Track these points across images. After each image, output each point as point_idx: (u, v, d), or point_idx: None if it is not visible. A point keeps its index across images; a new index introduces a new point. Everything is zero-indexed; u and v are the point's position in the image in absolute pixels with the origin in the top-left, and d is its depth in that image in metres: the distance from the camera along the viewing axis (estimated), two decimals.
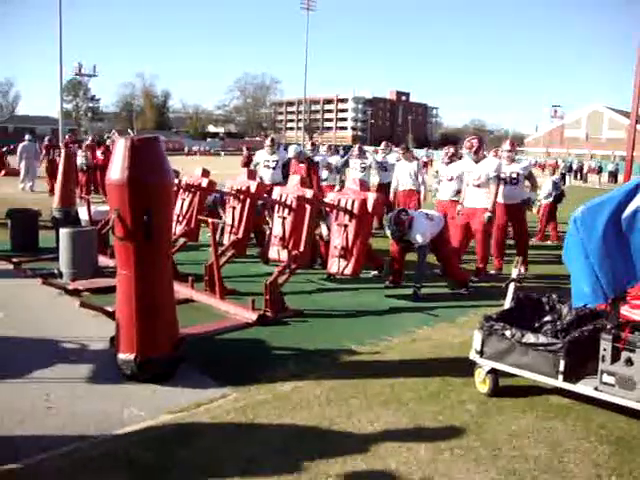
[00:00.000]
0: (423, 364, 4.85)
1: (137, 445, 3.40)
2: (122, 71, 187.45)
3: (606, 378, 3.75)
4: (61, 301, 6.20)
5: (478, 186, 7.76)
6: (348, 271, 6.50)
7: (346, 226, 6.49)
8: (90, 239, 7.24)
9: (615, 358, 3.71)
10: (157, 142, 4.17)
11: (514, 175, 8.24)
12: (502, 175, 8.04)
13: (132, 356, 4.14)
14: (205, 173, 8.00)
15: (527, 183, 8.79)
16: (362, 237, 6.47)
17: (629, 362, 3.65)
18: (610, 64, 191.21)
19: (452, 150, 9.51)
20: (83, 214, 8.93)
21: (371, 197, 6.49)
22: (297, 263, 6.31)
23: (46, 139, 18.44)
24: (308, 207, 6.44)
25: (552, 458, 3.42)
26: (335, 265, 6.61)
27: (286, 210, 6.65)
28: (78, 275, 6.89)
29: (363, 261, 6.65)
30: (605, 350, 3.74)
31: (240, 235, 7.03)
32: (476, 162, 7.89)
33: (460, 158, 9.28)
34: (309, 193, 6.55)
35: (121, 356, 4.20)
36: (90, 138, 19.39)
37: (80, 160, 15.71)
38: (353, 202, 6.46)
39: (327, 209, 7.11)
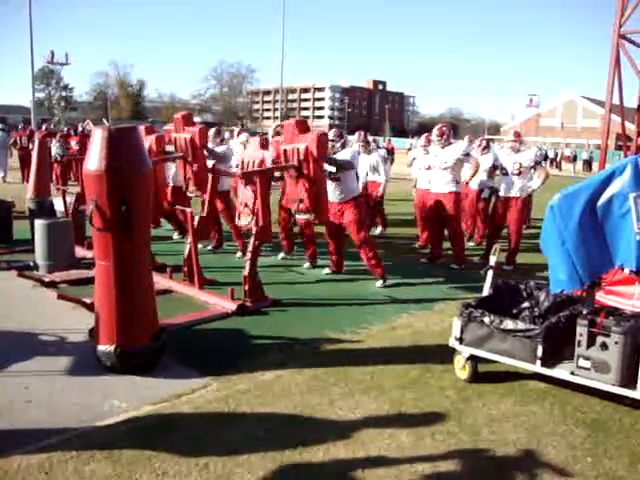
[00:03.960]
0: (403, 351, 4.90)
1: (119, 436, 3.39)
2: (96, 60, 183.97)
3: (582, 362, 3.82)
4: (37, 293, 6.12)
5: (445, 169, 7.81)
6: (318, 220, 6.42)
7: (298, 177, 6.17)
8: (66, 230, 7.15)
9: (591, 343, 3.78)
10: (135, 132, 4.13)
11: (516, 166, 8.02)
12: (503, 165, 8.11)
13: (112, 347, 4.11)
14: (149, 129, 7.79)
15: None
16: (318, 183, 6.15)
17: (604, 346, 3.72)
18: (586, 53, 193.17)
19: (430, 137, 9.54)
20: (58, 205, 8.80)
21: (313, 137, 6.03)
22: (259, 239, 6.10)
23: (20, 127, 18.17)
24: (257, 179, 6.04)
25: (530, 442, 3.48)
26: (303, 217, 6.52)
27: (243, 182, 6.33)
28: (54, 267, 6.80)
29: (327, 205, 6.48)
30: (581, 335, 3.81)
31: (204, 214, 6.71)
32: (442, 148, 7.93)
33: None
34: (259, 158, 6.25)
35: (101, 347, 4.17)
36: (65, 129, 19.06)
37: (55, 150, 15.47)
38: (297, 150, 6.04)
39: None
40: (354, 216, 6.87)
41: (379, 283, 6.97)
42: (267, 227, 6.15)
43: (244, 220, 6.58)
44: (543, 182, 8.04)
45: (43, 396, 3.85)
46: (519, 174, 8.00)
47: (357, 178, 7.61)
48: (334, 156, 6.76)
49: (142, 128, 7.72)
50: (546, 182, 8.06)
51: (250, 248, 6.08)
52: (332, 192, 6.79)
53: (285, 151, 6.18)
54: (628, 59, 11.94)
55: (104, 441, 3.33)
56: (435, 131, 8.12)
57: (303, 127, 6.29)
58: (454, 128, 8.23)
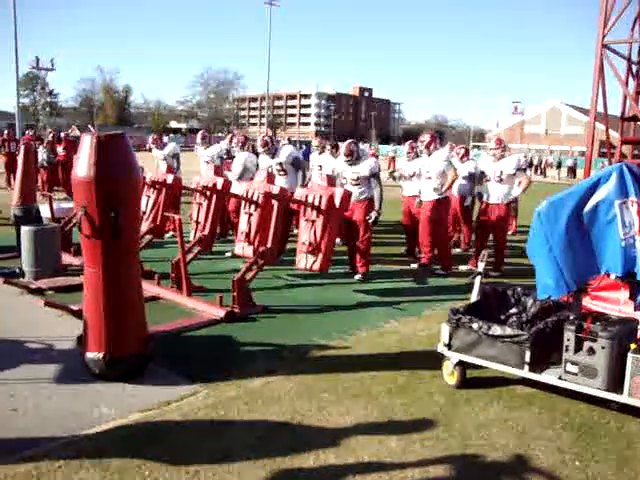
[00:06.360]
0: (392, 358, 4.91)
1: (108, 444, 3.37)
2: (81, 65, 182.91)
3: (570, 367, 3.86)
4: (24, 301, 6.08)
5: (429, 178, 7.96)
6: (316, 267, 6.51)
7: (314, 222, 6.50)
8: (53, 237, 7.10)
9: (578, 348, 3.82)
10: (124, 138, 4.12)
11: (498, 173, 8.09)
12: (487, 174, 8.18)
13: (100, 355, 4.09)
14: (170, 169, 7.93)
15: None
16: (330, 233, 6.48)
17: (591, 351, 3.76)
18: (570, 62, 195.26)
19: (413, 144, 9.61)
20: (45, 211, 8.75)
21: (338, 193, 6.51)
22: (265, 259, 6.30)
23: (5, 132, 18.05)
24: (275, 203, 6.42)
25: (519, 446, 3.51)
26: (303, 261, 6.61)
27: (252, 206, 6.63)
28: (41, 274, 6.75)
29: (331, 257, 6.67)
30: (568, 340, 3.85)
31: (206, 232, 6.99)
32: (429, 156, 8.15)
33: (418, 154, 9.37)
34: (276, 189, 6.55)
35: (89, 355, 4.14)
36: (51, 134, 18.88)
37: (41, 156, 15.35)
38: (321, 198, 6.48)
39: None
40: (364, 216, 7.50)
41: (358, 276, 7.55)
42: (275, 250, 6.46)
43: (239, 249, 6.70)
44: (524, 190, 8.17)
45: (30, 404, 3.82)
46: (500, 181, 8.09)
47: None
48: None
49: (211, 167, 7.91)
50: (527, 190, 8.17)
51: (253, 265, 6.21)
52: (355, 193, 7.34)
53: (307, 196, 6.60)
54: (612, 68, 12.10)
55: (93, 449, 3.31)
56: (420, 138, 8.40)
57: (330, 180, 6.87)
58: (440, 134, 8.33)
